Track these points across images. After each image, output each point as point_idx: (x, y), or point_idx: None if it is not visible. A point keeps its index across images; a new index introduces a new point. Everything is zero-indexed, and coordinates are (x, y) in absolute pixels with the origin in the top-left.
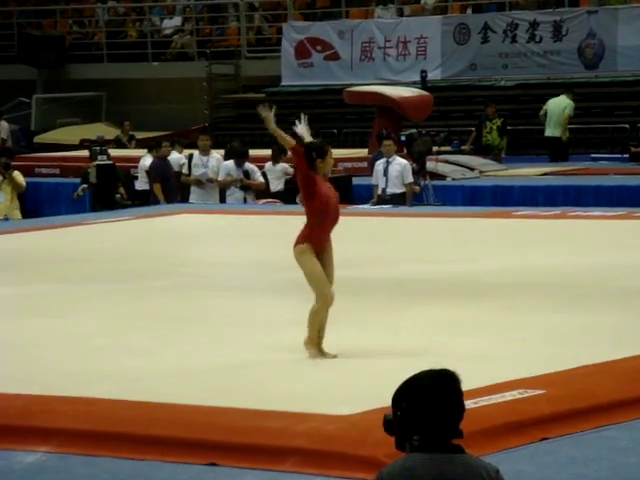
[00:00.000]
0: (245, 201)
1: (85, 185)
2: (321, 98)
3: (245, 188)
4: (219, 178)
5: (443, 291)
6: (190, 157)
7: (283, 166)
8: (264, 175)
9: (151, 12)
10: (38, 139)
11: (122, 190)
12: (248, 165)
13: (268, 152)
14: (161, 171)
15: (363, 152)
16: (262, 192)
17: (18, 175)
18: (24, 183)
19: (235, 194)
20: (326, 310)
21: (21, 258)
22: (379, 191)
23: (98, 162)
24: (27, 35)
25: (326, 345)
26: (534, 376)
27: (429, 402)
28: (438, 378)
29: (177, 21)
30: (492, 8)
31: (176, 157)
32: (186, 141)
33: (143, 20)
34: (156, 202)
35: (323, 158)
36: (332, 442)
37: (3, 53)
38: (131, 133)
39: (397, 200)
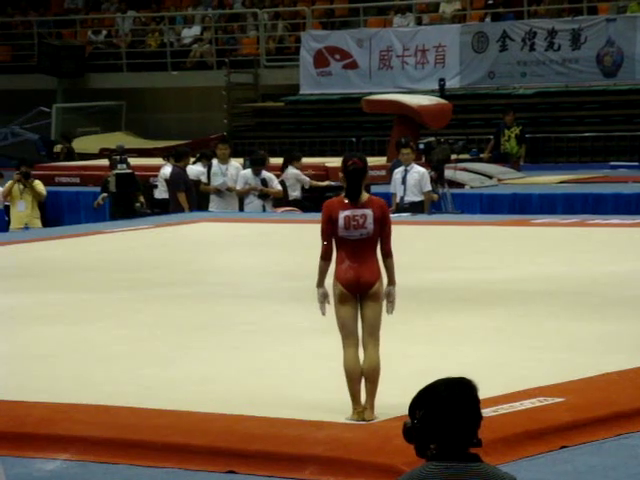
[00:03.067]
0: (264, 209)
1: (105, 194)
2: (340, 107)
3: (263, 196)
4: (237, 187)
5: (461, 299)
6: (209, 166)
7: (294, 172)
8: (282, 183)
9: (172, 22)
10: (58, 148)
11: (142, 199)
12: (265, 173)
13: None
14: (185, 180)
15: (382, 160)
16: (280, 200)
17: (38, 184)
18: (44, 192)
19: (253, 202)
20: None
21: (41, 267)
22: (397, 199)
23: (118, 171)
24: (47, 45)
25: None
26: (553, 384)
27: (446, 411)
28: (455, 386)
29: (196, 30)
30: (510, 16)
31: (198, 168)
32: (210, 152)
33: (163, 30)
34: (179, 211)
35: None
36: (351, 450)
37: (23, 63)
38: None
39: (415, 208)
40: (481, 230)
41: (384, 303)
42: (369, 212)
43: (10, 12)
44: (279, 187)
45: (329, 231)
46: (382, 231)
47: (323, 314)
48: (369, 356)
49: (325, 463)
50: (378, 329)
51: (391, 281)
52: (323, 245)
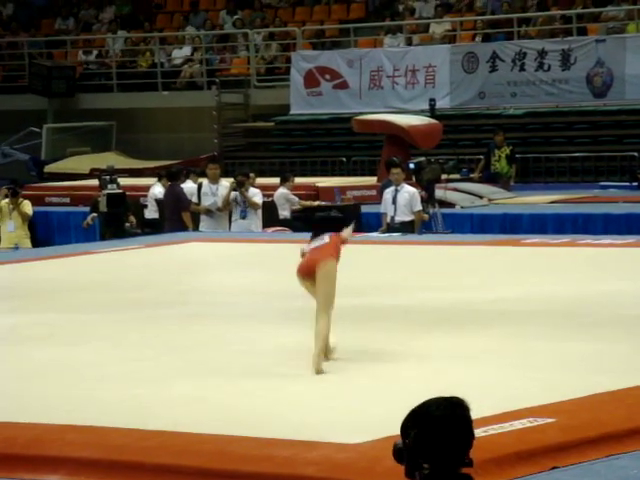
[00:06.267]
0: (243, 216)
1: (95, 214)
2: (330, 127)
3: (245, 213)
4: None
5: (452, 319)
6: (199, 186)
7: (283, 192)
8: (272, 203)
9: (162, 43)
10: (49, 168)
11: (132, 219)
12: (252, 189)
13: (275, 180)
14: (186, 199)
15: (372, 180)
16: (270, 220)
17: (26, 204)
18: (30, 212)
19: (237, 221)
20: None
21: (31, 287)
22: (388, 219)
23: (108, 191)
24: (38, 65)
25: (337, 371)
26: (544, 404)
27: (438, 430)
28: (447, 406)
29: (187, 51)
30: (500, 37)
31: (189, 186)
32: (199, 170)
33: (153, 50)
34: (176, 230)
35: None
36: (342, 471)
37: (14, 83)
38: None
39: (406, 228)
40: (471, 250)
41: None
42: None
43: (1, 33)
44: (258, 200)
45: None
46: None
47: None
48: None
49: None
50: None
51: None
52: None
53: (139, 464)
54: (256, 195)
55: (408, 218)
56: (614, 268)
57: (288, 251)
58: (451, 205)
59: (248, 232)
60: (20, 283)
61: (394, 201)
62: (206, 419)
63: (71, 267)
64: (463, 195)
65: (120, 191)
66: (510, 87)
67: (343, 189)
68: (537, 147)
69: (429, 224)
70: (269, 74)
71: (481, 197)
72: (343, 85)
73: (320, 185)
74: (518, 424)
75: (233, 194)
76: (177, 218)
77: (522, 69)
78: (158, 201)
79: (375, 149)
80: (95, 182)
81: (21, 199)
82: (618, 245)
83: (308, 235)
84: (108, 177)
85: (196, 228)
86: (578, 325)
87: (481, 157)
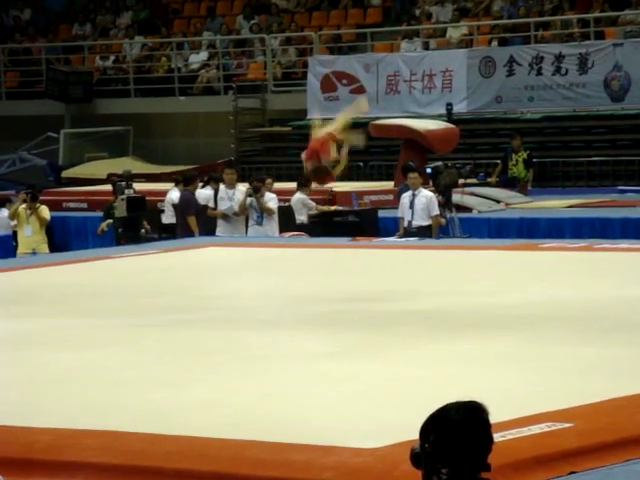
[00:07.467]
0: (260, 220)
1: (110, 220)
2: None
3: (261, 218)
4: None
5: (469, 323)
6: (216, 191)
7: (301, 197)
8: (289, 208)
9: (179, 48)
10: (66, 174)
11: (146, 225)
12: (268, 194)
13: (292, 185)
14: (195, 204)
15: (389, 185)
16: (287, 225)
17: (44, 210)
18: (48, 217)
19: (254, 227)
20: None
21: (49, 292)
22: (405, 224)
23: (128, 195)
24: (55, 71)
25: (354, 375)
26: (562, 409)
27: (457, 434)
28: (466, 410)
29: (203, 56)
30: (517, 41)
31: (206, 192)
32: (218, 175)
33: (170, 56)
34: (187, 235)
35: None
36: (358, 476)
37: (31, 89)
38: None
39: (423, 233)
40: (489, 254)
41: None
42: None
43: (18, 39)
44: (272, 205)
45: None
46: None
47: None
48: None
49: None
50: None
51: None
52: None
53: (157, 469)
54: (271, 200)
55: (425, 223)
56: (632, 272)
57: (305, 256)
58: (468, 209)
59: (265, 237)
60: (37, 288)
61: (411, 206)
62: (224, 423)
63: (89, 272)
64: (480, 199)
65: (140, 195)
66: (527, 91)
67: (360, 194)
68: (554, 151)
69: (446, 229)
70: (286, 79)
71: (498, 201)
72: (360, 90)
73: (337, 190)
74: (536, 429)
75: (249, 199)
76: (186, 223)
77: (539, 73)
78: (175, 206)
79: (392, 154)
80: None
81: (39, 204)
82: (636, 249)
83: (325, 240)
84: (124, 183)
85: (205, 233)
86: (596, 330)
87: (498, 161)
